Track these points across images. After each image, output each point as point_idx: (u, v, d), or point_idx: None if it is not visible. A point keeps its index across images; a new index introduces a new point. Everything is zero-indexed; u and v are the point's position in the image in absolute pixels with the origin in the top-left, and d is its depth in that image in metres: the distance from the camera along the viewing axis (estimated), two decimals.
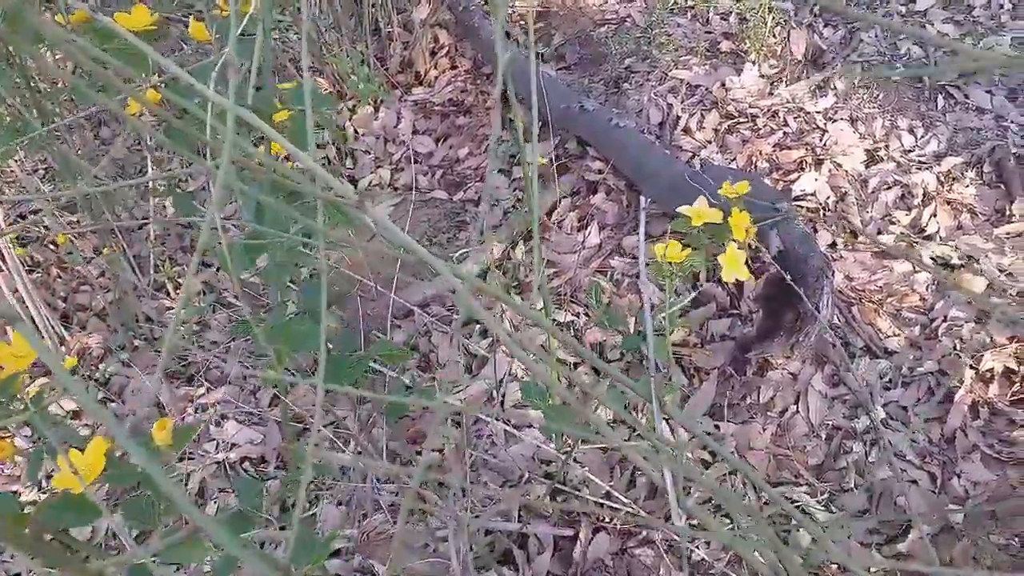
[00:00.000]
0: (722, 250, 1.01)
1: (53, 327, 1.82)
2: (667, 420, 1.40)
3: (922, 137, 1.89)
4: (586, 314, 1.73)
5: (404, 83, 2.45)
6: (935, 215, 1.73)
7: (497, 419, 1.55)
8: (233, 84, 0.57)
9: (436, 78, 2.44)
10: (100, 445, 0.48)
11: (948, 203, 1.75)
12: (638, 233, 1.76)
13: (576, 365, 1.64)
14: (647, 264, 1.71)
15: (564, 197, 1.96)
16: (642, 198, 1.58)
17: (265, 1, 0.61)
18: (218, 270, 2.01)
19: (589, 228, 1.85)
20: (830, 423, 1.53)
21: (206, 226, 0.43)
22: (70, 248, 2.05)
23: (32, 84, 1.48)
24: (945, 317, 1.57)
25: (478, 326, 1.81)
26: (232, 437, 1.65)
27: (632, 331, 1.54)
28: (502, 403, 1.63)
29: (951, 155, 1.83)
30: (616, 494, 1.40)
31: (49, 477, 1.53)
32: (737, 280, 1.74)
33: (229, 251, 0.65)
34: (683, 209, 0.98)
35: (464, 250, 1.91)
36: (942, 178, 1.79)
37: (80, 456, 0.49)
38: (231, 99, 0.49)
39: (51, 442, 0.52)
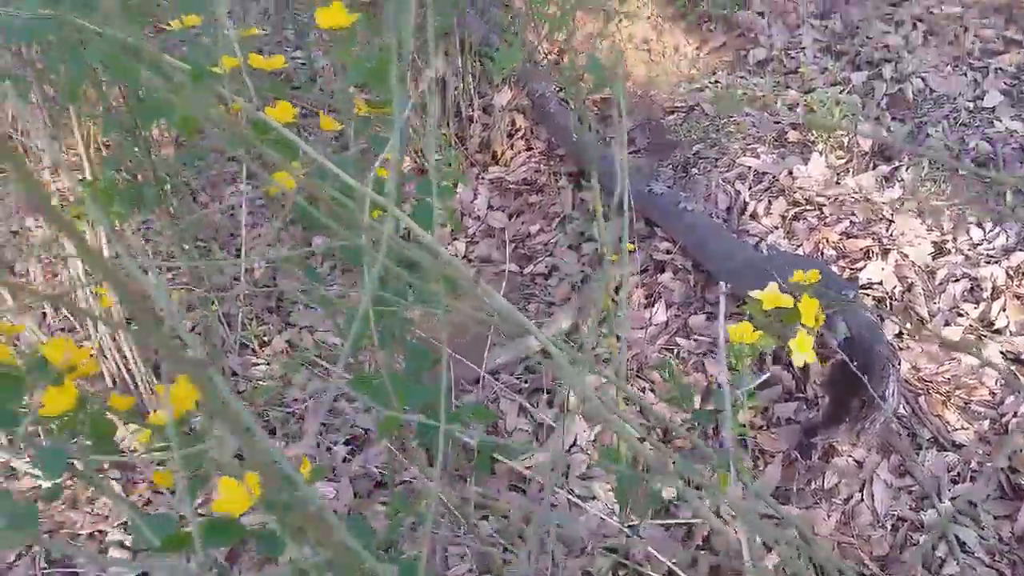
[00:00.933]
0: (791, 334, 1.05)
1: (146, 378, 1.94)
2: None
3: (991, 231, 1.92)
4: (651, 390, 1.77)
5: (482, 162, 2.58)
6: (1004, 309, 1.74)
7: (563, 488, 1.59)
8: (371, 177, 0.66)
9: (512, 158, 2.56)
10: (253, 476, 0.56)
11: (1018, 297, 1.76)
12: (708, 313, 1.81)
13: (641, 439, 1.67)
14: (714, 343, 1.75)
15: (632, 275, 2.03)
16: (722, 283, 1.64)
17: (399, 104, 0.71)
18: (301, 330, 2.12)
19: (656, 306, 1.91)
20: (896, 513, 1.53)
21: (366, 298, 0.50)
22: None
23: (149, 153, 1.63)
24: (1016, 412, 1.57)
25: (545, 395, 1.87)
26: None
27: (699, 409, 1.58)
28: (566, 474, 1.67)
29: (1020, 250, 1.85)
30: (679, 572, 1.42)
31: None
32: (804, 365, 1.77)
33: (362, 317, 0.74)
34: (755, 293, 1.03)
35: (534, 321, 1.99)
36: (1011, 272, 1.81)
37: (234, 485, 0.56)
38: (384, 192, 0.57)
39: (207, 471, 0.60)
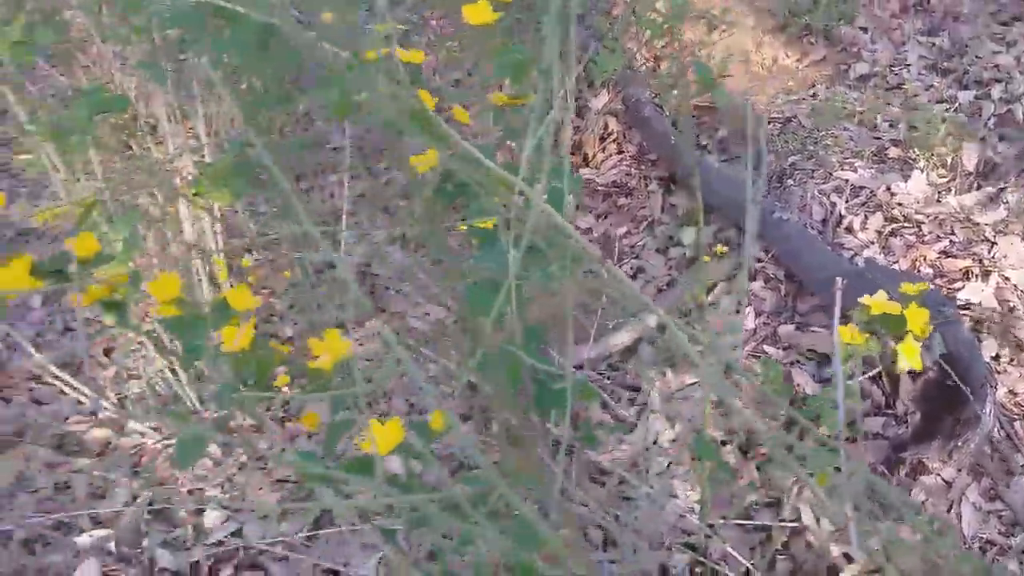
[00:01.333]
0: (897, 341, 1.06)
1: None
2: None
3: None
4: (736, 397, 1.78)
5: (573, 163, 2.62)
6: None
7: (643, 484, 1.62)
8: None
9: (603, 161, 2.60)
10: (397, 422, 0.61)
11: None
12: (798, 323, 1.81)
13: (724, 443, 1.69)
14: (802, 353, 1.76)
15: (722, 280, 2.04)
16: (838, 279, 1.65)
17: (541, 97, 0.76)
18: (392, 315, 2.20)
19: (746, 313, 1.92)
20: (984, 536, 1.50)
21: (511, 274, 0.56)
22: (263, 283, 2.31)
23: (274, 135, 1.72)
24: None
25: (626, 393, 1.90)
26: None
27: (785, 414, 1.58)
28: (647, 470, 1.69)
29: None
30: (757, 572, 1.43)
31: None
32: (894, 380, 1.75)
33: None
34: (863, 299, 1.05)
35: (619, 320, 2.02)
36: None
37: (380, 428, 0.61)
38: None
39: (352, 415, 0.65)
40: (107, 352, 2.24)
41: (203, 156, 1.97)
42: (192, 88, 1.85)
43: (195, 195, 1.79)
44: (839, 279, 1.04)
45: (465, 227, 0.84)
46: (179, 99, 1.80)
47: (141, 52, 1.58)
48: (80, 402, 2.04)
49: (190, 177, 1.90)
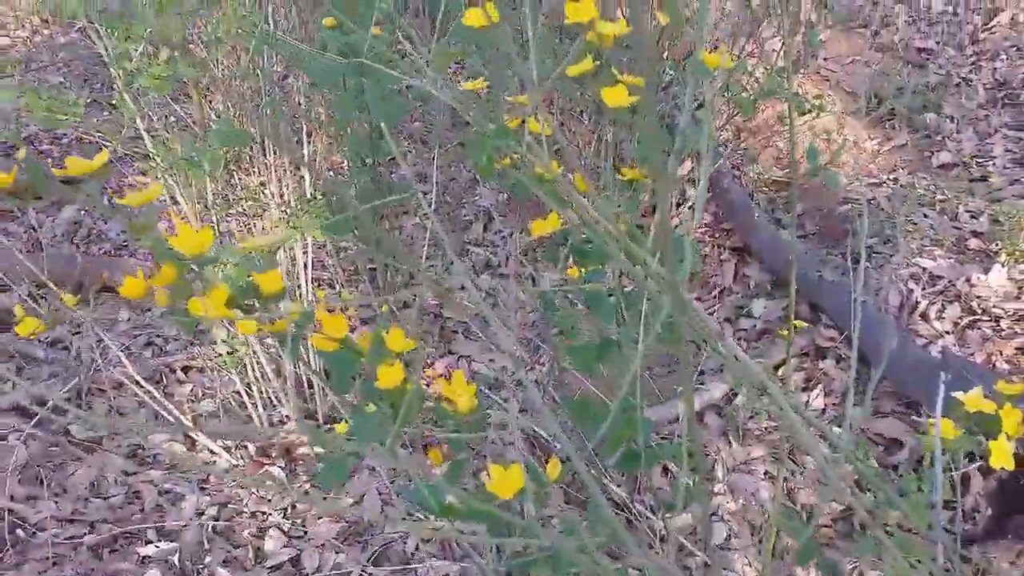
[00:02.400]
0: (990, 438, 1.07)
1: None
2: None
3: None
4: (801, 473, 1.78)
5: (647, 224, 2.67)
6: None
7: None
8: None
9: (678, 226, 2.63)
10: (518, 468, 0.65)
11: None
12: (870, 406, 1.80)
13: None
14: (878, 435, 1.75)
15: (793, 356, 2.04)
16: (942, 373, 1.65)
17: (670, 175, 0.81)
18: (459, 359, 2.26)
19: (815, 391, 1.92)
20: None
21: (647, 341, 0.60)
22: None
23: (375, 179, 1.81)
24: None
25: (687, 458, 1.90)
26: None
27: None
28: (706, 542, 1.69)
29: None
30: None
31: None
32: (964, 474, 1.73)
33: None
34: (958, 395, 1.05)
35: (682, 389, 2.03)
36: None
37: (503, 472, 0.65)
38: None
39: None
40: (185, 369, 2.33)
41: (303, 191, 2.07)
42: (300, 127, 1.96)
43: (293, 227, 1.88)
44: (941, 374, 1.05)
45: (581, 286, 0.89)
46: (287, 137, 1.90)
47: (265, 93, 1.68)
48: (157, 415, 2.12)
49: (288, 210, 2.00)
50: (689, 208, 2.70)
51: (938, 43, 3.14)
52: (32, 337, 2.41)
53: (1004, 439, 1.02)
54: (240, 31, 1.62)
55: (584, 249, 0.90)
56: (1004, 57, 3.03)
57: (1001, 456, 1.02)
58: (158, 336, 2.48)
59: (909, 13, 3.35)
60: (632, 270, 0.79)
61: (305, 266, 2.20)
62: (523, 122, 0.88)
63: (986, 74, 2.95)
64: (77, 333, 2.41)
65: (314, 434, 1.10)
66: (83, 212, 2.84)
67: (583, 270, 0.95)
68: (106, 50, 1.60)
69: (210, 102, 2.09)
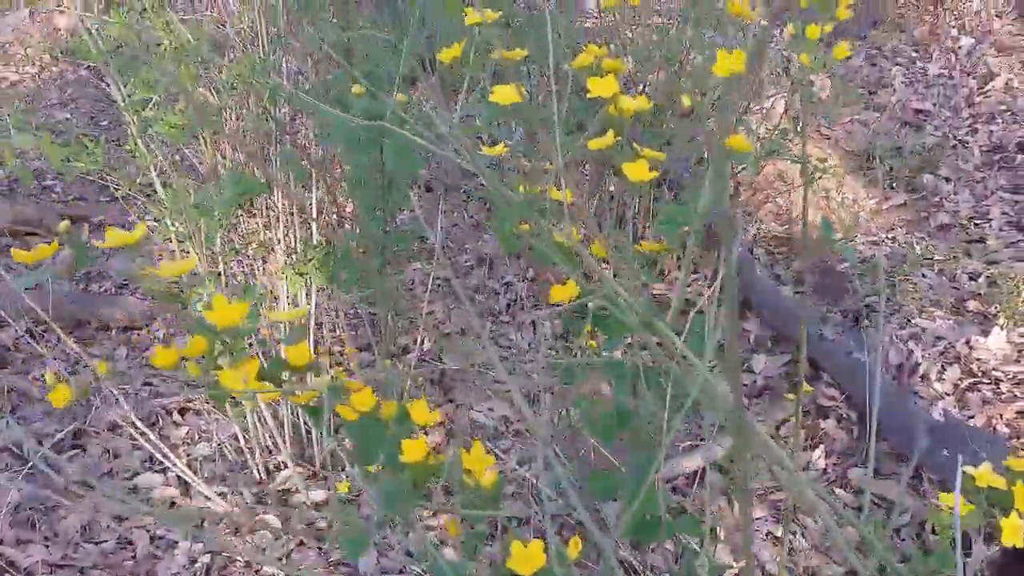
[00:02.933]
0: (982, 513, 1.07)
1: None
2: None
3: None
4: (802, 535, 1.76)
5: (638, 258, 2.68)
6: None
7: None
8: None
9: (676, 279, 2.65)
10: (539, 546, 0.65)
11: None
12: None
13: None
14: (881, 498, 1.74)
15: (792, 416, 2.04)
16: (961, 462, 1.65)
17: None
18: (458, 407, 2.25)
19: (816, 451, 1.91)
20: None
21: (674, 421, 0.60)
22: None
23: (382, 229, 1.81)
24: None
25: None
26: None
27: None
28: None
29: None
30: None
31: None
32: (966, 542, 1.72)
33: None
34: (967, 469, 1.06)
35: (690, 443, 2.03)
36: None
37: (523, 551, 0.65)
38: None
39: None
40: (182, 411, 2.31)
41: (310, 236, 2.07)
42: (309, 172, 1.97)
43: (299, 273, 1.88)
44: (962, 463, 1.05)
45: (601, 358, 0.89)
46: (295, 183, 1.91)
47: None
48: (151, 458, 2.10)
49: (295, 256, 2.00)
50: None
51: (935, 105, 3.20)
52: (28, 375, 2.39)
53: (1016, 516, 1.02)
54: (254, 82, 1.64)
55: (604, 319, 0.91)
56: (999, 120, 3.09)
57: (1013, 533, 1.02)
58: (155, 376, 2.46)
59: (906, 75, 3.42)
60: (653, 348, 0.79)
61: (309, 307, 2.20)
62: (544, 191, 0.90)
63: (982, 137, 3.00)
64: (73, 372, 2.39)
65: (336, 510, 1.09)
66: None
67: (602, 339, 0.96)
68: (122, 97, 1.61)
69: (219, 145, 2.11)
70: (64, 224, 0.68)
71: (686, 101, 0.95)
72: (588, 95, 0.87)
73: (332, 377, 0.63)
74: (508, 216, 0.77)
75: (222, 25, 2.12)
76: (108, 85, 1.88)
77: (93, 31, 1.68)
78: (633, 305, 0.78)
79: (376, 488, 0.67)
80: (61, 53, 3.31)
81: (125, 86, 1.64)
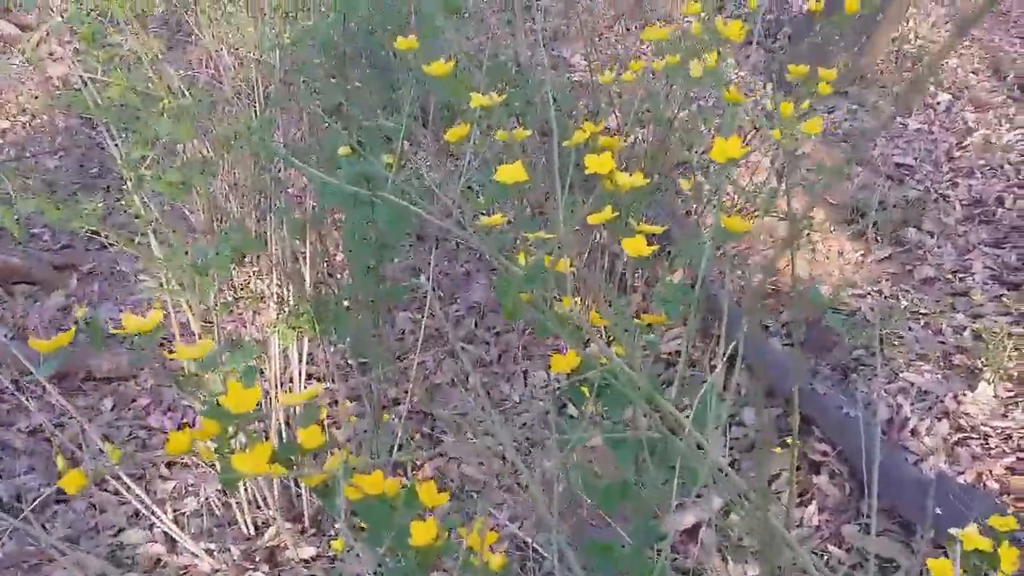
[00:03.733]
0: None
1: None
2: None
3: None
4: None
5: (637, 327, 2.69)
6: None
7: None
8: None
9: (667, 330, 2.67)
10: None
11: None
12: (862, 524, 1.80)
13: None
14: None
15: (784, 470, 2.05)
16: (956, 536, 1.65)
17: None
18: (449, 460, 2.23)
19: (809, 507, 1.91)
20: None
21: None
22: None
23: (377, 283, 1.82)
24: None
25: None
26: None
27: None
28: None
29: None
30: None
31: None
32: None
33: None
34: (954, 531, 1.07)
35: (682, 499, 2.02)
36: None
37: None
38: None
39: None
40: (169, 465, 2.28)
41: (303, 289, 2.08)
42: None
43: (291, 327, 1.88)
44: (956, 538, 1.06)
45: (602, 432, 0.90)
46: (292, 241, 1.92)
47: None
48: (137, 513, 2.06)
49: (287, 308, 2.00)
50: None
51: (916, 159, 3.27)
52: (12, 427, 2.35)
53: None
54: (250, 139, 1.66)
55: (605, 388, 0.91)
56: (978, 175, 3.16)
57: None
58: (142, 428, 2.44)
59: (887, 129, 3.50)
60: (657, 425, 0.80)
61: (300, 359, 2.19)
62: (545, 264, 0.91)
63: (962, 191, 3.07)
64: (59, 425, 2.36)
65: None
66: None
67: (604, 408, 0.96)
68: (119, 154, 1.62)
69: (214, 199, 2.12)
70: (81, 310, 0.68)
71: (685, 185, 0.97)
72: (586, 171, 0.90)
73: (343, 457, 0.63)
74: (510, 288, 0.78)
75: (219, 81, 2.15)
76: (98, 133, 1.89)
77: (88, 84, 1.69)
78: (635, 380, 0.78)
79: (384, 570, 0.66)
80: (55, 105, 3.33)
81: (122, 140, 1.65)
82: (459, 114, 1.01)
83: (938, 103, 3.67)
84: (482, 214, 0.95)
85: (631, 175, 0.93)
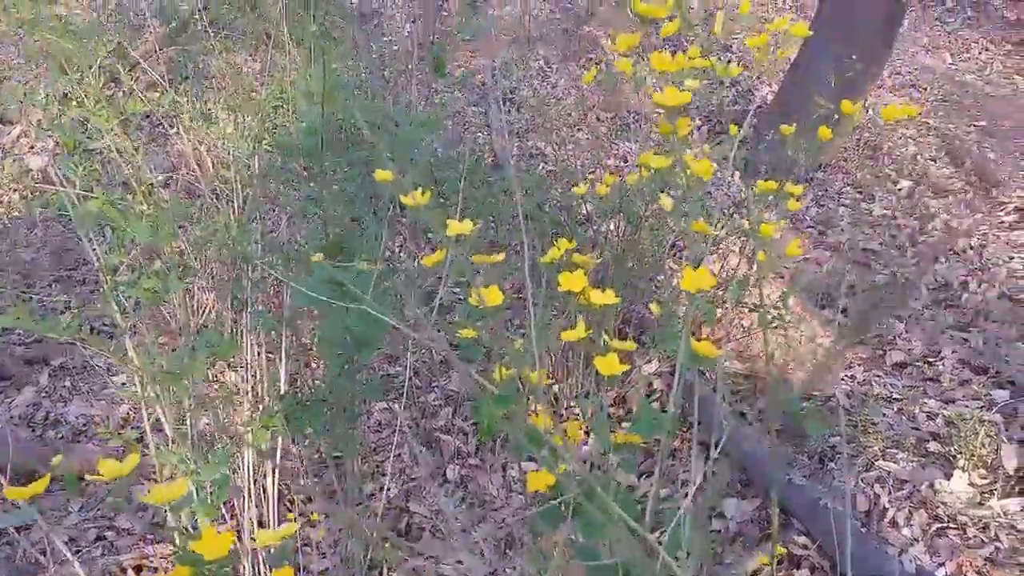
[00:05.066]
0: None
1: None
2: None
3: None
4: None
5: (615, 416, 2.70)
6: None
7: None
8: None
9: (644, 444, 2.67)
10: None
11: None
12: None
13: None
14: None
15: (766, 565, 2.03)
16: None
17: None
18: (427, 559, 2.18)
19: None
20: None
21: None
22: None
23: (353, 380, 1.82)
24: None
25: None
26: None
27: None
28: None
29: None
30: None
31: None
32: None
33: None
34: None
35: None
36: None
37: None
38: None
39: None
40: (137, 569, 2.21)
41: (278, 387, 2.06)
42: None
43: (264, 427, 1.86)
44: None
45: (577, 551, 0.90)
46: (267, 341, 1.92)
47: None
48: None
49: (261, 406, 1.99)
50: (657, 400, 2.75)
51: (882, 244, 3.37)
52: None
53: None
54: (228, 243, 1.68)
55: (581, 508, 0.91)
56: (942, 259, 3.25)
57: None
58: (110, 529, 2.37)
59: (852, 215, 3.61)
60: (632, 546, 0.80)
61: (274, 454, 2.16)
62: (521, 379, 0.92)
63: (928, 275, 3.15)
64: (24, 528, 2.29)
65: None
66: (42, 395, 2.78)
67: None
68: (96, 258, 1.63)
69: (192, 295, 2.12)
70: (57, 457, 0.68)
71: (655, 310, 1.00)
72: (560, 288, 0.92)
73: None
74: (486, 407, 0.79)
75: (197, 182, 2.18)
76: (74, 228, 1.91)
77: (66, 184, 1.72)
78: (612, 507, 0.79)
79: None
80: (33, 199, 3.35)
81: (99, 243, 1.66)
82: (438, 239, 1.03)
83: (899, 189, 3.79)
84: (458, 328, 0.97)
85: (603, 291, 0.95)
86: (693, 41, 1.23)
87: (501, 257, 0.89)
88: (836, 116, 1.84)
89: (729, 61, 4.51)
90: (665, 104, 0.93)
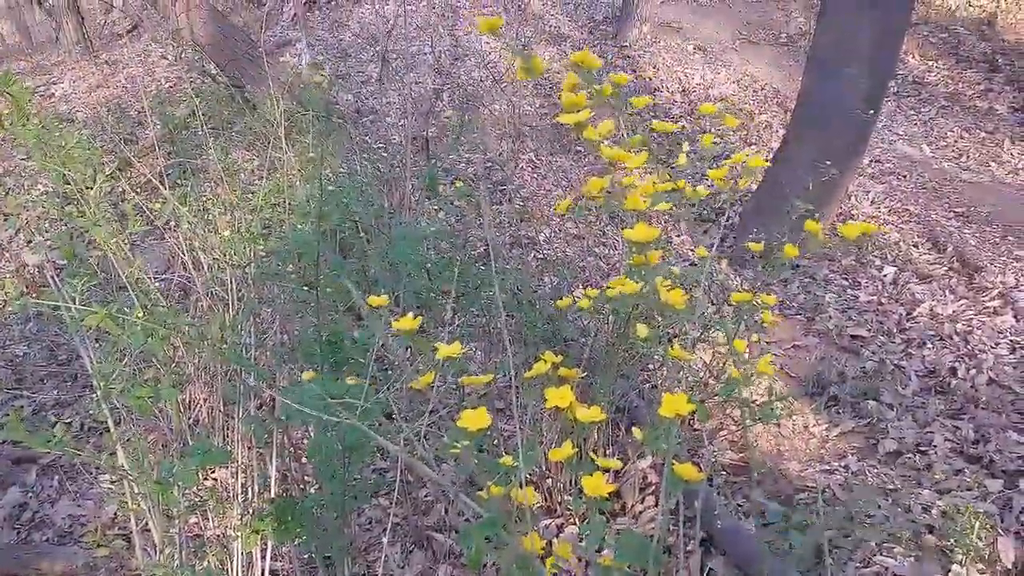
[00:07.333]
0: None
1: None
2: None
3: None
4: None
5: (609, 510, 2.67)
6: None
7: None
8: None
9: (641, 512, 2.64)
10: None
11: None
12: None
13: None
14: None
15: None
16: None
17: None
18: None
19: None
20: None
21: None
22: None
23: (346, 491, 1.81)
24: None
25: None
26: None
27: None
28: None
29: None
30: None
31: None
32: None
33: None
34: None
35: None
36: None
37: None
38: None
39: None
40: None
41: (268, 490, 2.05)
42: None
43: (255, 531, 1.85)
44: None
45: None
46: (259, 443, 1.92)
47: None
48: None
49: (252, 510, 1.97)
50: (652, 494, 2.73)
51: (869, 331, 3.40)
52: None
53: None
54: (222, 347, 1.70)
55: None
56: (930, 345, 3.28)
57: None
58: None
59: (839, 302, 3.66)
60: None
61: (263, 555, 2.13)
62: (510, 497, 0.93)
63: (916, 362, 3.17)
64: None
65: None
66: (29, 495, 2.74)
67: None
68: (90, 363, 1.65)
69: (186, 400, 2.13)
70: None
71: (638, 435, 1.02)
72: (546, 405, 0.94)
73: None
74: (475, 534, 0.80)
75: (190, 281, 2.21)
76: (68, 328, 1.93)
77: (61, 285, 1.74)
78: None
79: None
80: (27, 306, 3.37)
81: (94, 348, 1.68)
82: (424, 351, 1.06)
83: (884, 275, 3.86)
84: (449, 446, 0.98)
85: (589, 407, 0.97)
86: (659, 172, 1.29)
87: (489, 378, 0.91)
88: (816, 214, 1.91)
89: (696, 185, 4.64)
90: (635, 239, 0.98)
